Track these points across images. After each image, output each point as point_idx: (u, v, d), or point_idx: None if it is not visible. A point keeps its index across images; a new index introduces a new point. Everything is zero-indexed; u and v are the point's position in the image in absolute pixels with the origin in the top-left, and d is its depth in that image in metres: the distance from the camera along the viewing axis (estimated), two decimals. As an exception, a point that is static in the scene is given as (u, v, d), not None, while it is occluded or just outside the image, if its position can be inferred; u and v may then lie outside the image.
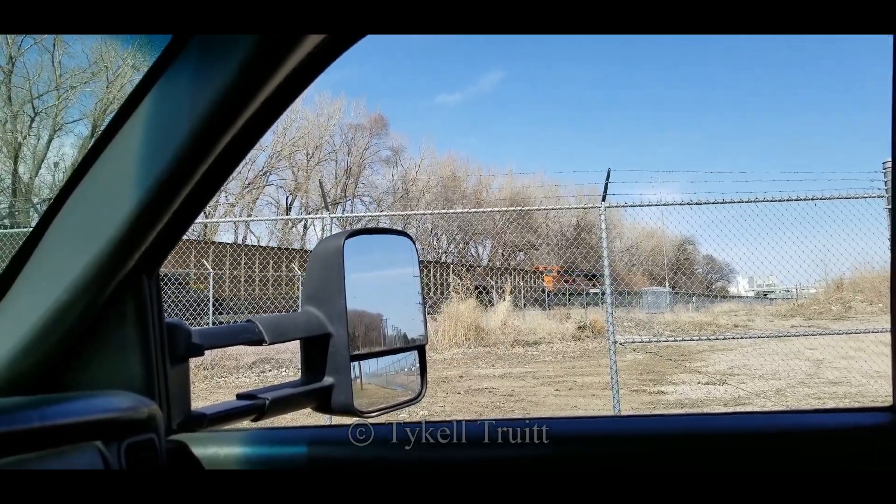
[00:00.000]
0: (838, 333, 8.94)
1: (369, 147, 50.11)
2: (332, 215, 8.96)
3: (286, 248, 33.83)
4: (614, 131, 74.25)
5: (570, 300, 27.93)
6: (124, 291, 0.76)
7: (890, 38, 0.79)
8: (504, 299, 19.90)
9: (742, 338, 9.77)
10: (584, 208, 10.71)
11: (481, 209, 12.43)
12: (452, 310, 17.42)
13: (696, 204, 8.04)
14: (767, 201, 7.97)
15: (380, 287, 1.16)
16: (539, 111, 74.52)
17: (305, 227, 45.11)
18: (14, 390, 0.74)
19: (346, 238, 1.07)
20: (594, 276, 33.04)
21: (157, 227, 0.72)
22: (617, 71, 71.09)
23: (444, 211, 11.53)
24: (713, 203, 7.98)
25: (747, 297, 49.31)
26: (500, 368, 13.59)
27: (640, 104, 72.91)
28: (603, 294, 7.88)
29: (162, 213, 0.71)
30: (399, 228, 1.14)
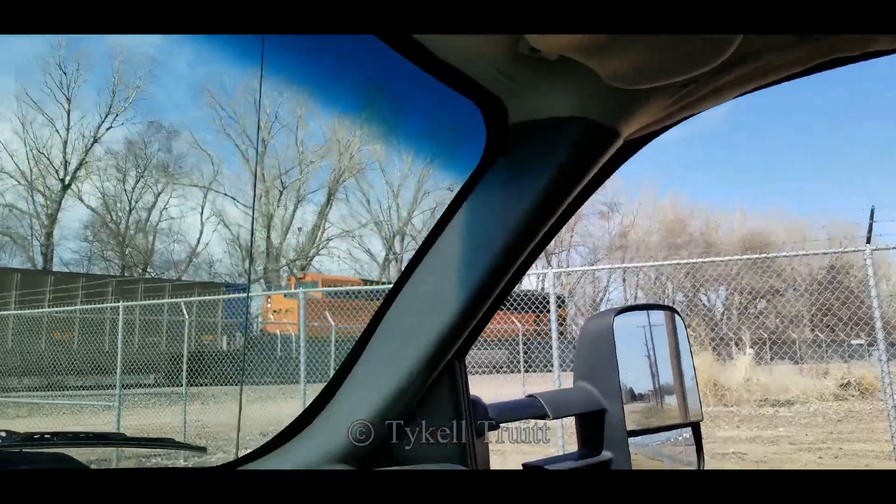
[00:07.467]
0: None
1: (584, 199, 49.71)
2: (552, 270, 9.24)
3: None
4: (864, 157, 63.77)
5: (827, 352, 24.18)
6: (443, 374, 0.89)
7: None
8: (745, 352, 18.00)
9: None
10: (843, 252, 9.38)
11: (713, 258, 11.57)
12: (685, 364, 16.17)
13: None
14: None
15: (650, 362, 1.18)
16: (768, 140, 66.72)
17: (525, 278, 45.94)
18: (354, 463, 0.89)
19: (616, 315, 1.12)
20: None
21: (473, 321, 0.84)
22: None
23: (666, 262, 10.99)
24: None
25: None
26: (747, 430, 12.20)
27: (901, 122, 62.04)
28: (871, 346, 6.76)
29: (478, 310, 0.83)
30: (667, 304, 1.16)
